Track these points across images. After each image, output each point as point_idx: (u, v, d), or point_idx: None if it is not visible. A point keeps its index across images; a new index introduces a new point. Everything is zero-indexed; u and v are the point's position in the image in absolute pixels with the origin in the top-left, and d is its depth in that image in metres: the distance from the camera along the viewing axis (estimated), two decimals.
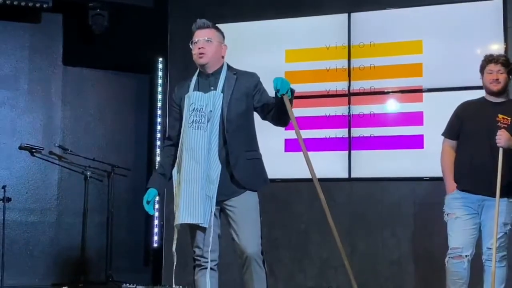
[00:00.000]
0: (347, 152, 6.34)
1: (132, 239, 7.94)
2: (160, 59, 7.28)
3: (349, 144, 6.34)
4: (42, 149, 6.78)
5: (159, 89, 7.27)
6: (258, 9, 6.67)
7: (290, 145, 6.48)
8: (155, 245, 7.09)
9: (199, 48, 3.74)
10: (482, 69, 4.57)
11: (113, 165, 7.32)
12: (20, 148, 6.64)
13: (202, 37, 3.76)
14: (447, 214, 4.55)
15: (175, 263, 3.78)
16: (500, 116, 4.44)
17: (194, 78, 3.86)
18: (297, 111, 6.41)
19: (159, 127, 7.23)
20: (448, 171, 4.58)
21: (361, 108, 6.36)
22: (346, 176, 6.32)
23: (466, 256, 4.42)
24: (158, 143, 7.21)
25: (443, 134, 4.69)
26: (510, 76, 4.53)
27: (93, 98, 7.83)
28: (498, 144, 4.29)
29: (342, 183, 6.33)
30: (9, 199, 6.54)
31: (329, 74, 6.48)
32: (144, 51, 7.39)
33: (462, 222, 4.46)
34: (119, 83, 8.10)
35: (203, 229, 3.67)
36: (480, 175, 4.38)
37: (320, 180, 6.27)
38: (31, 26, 7.45)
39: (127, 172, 7.48)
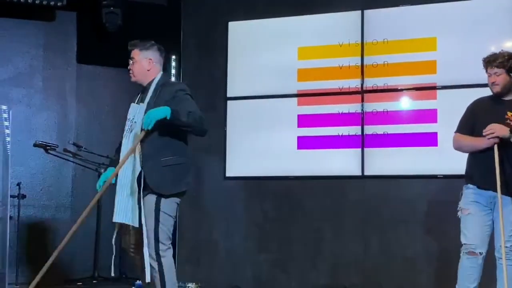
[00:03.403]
0: (360, 149, 6.31)
1: None
2: (173, 56, 7.28)
3: (362, 142, 6.32)
4: (57, 147, 6.81)
5: None
6: (270, 7, 6.67)
7: (303, 143, 6.47)
8: None
9: (129, 69, 4.18)
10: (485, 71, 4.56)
11: None
12: (35, 145, 6.67)
13: (129, 58, 4.16)
14: (461, 210, 4.52)
15: (114, 254, 4.07)
16: (510, 113, 4.42)
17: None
18: (310, 109, 6.47)
19: None
20: (468, 138, 4.51)
21: (374, 106, 6.34)
22: (359, 173, 6.30)
23: (480, 253, 4.40)
24: None
25: (456, 132, 4.66)
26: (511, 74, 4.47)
27: (107, 95, 7.86)
28: (492, 137, 4.29)
29: (355, 181, 6.31)
30: (24, 196, 6.58)
31: (342, 72, 6.46)
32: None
33: (476, 218, 4.44)
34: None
35: (133, 226, 3.95)
36: (491, 172, 4.35)
37: (333, 177, 6.34)
38: (46, 24, 7.49)
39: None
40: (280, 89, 6.57)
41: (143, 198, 3.88)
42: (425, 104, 6.22)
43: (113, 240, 4.08)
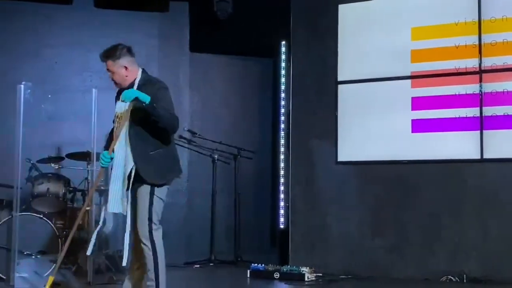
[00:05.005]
0: (478, 132, 6.07)
1: (259, 220, 8.10)
2: (283, 42, 7.30)
3: (481, 124, 6.07)
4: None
5: (283, 72, 7.31)
6: None
7: (418, 126, 6.30)
8: (282, 226, 7.17)
9: (112, 80, 4.33)
10: None
11: (239, 148, 7.49)
12: None
13: (106, 69, 4.29)
14: None
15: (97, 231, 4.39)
16: None
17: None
18: (425, 91, 6.29)
19: (283, 110, 7.27)
20: None
21: (493, 86, 6.07)
22: (478, 157, 6.06)
23: None
24: (282, 126, 7.26)
25: None
26: None
27: (219, 83, 8.02)
28: None
29: (474, 164, 6.08)
30: None
31: (458, 51, 6.23)
32: (267, 35, 7.46)
33: None
34: (244, 68, 8.25)
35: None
36: None
37: (450, 161, 6.15)
38: (160, 15, 7.74)
39: (253, 155, 7.62)
40: (393, 72, 6.43)
41: (138, 187, 4.19)
42: None
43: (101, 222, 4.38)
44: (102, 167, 4.33)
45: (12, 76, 6.90)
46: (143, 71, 4.34)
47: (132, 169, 4.14)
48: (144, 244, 4.18)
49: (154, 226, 4.20)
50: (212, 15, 7.42)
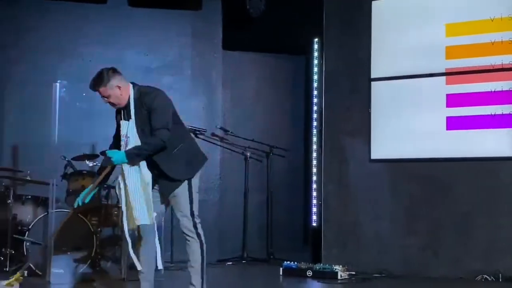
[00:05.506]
0: None
1: (291, 218, 8.09)
2: (316, 39, 7.27)
3: None
4: (205, 131, 7.06)
5: (315, 69, 7.28)
6: None
7: (453, 123, 6.22)
8: (314, 224, 7.15)
9: (108, 103, 4.41)
10: None
11: (271, 146, 7.48)
12: None
13: (101, 96, 4.37)
14: None
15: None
16: None
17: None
18: (460, 87, 6.21)
19: (315, 108, 7.24)
20: None
21: None
22: None
23: None
24: (315, 123, 7.23)
25: None
26: None
27: (251, 80, 8.03)
28: None
29: (509, 162, 5.98)
30: None
31: (494, 47, 6.12)
32: (300, 32, 7.44)
33: None
34: (276, 65, 8.25)
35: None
36: None
37: (486, 159, 6.06)
38: (193, 13, 7.78)
39: (285, 153, 7.61)
40: (427, 68, 6.36)
41: (171, 187, 4.35)
42: None
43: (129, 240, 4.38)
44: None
45: (48, 75, 7.01)
46: (134, 84, 4.41)
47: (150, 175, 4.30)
48: (191, 237, 4.37)
49: (197, 220, 4.39)
50: (244, 13, 7.43)
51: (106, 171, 4.42)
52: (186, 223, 4.38)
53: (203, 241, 4.41)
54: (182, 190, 4.37)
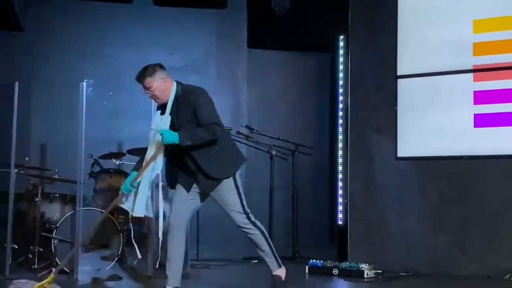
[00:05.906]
0: None
1: (317, 216, 8.07)
2: (341, 37, 7.24)
3: None
4: (230, 129, 7.03)
5: (341, 67, 7.25)
6: None
7: (480, 120, 6.15)
8: (340, 222, 7.12)
9: (151, 97, 4.49)
10: None
11: (297, 144, 7.47)
12: None
13: (145, 88, 4.43)
14: None
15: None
16: None
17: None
18: (488, 84, 6.13)
19: (341, 106, 7.21)
20: None
21: None
22: None
23: None
24: (340, 121, 7.21)
25: None
26: None
27: (276, 78, 8.02)
28: None
29: None
30: None
31: None
32: (325, 29, 7.41)
33: None
34: (301, 63, 8.23)
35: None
36: None
37: None
38: (218, 12, 7.79)
39: (311, 151, 7.59)
40: (454, 65, 6.29)
41: (217, 187, 4.45)
42: None
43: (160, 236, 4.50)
44: (123, 192, 4.49)
45: (75, 74, 7.08)
46: (178, 83, 4.48)
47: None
48: (250, 229, 4.56)
49: (247, 210, 4.55)
50: (269, 11, 7.43)
51: (157, 153, 4.39)
52: (240, 218, 4.52)
53: (261, 227, 4.58)
54: (229, 187, 4.48)
